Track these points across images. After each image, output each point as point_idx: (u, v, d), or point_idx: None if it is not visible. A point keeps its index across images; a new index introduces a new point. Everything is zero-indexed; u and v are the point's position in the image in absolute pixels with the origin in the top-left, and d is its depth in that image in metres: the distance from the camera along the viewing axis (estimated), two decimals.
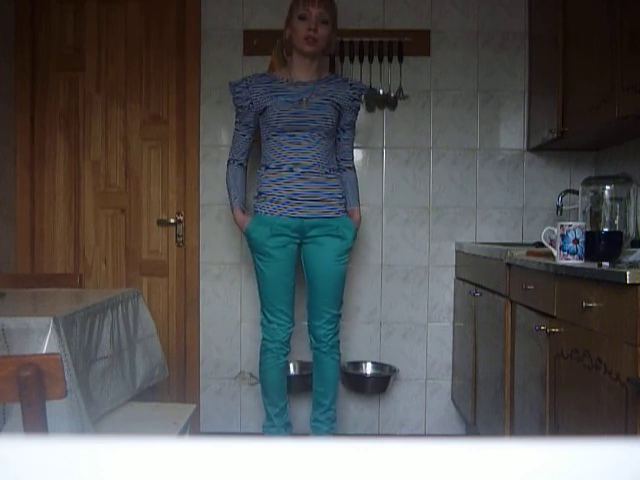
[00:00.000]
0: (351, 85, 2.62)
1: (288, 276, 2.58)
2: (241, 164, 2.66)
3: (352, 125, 2.69)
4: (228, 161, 2.68)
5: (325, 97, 2.55)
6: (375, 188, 3.20)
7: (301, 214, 2.53)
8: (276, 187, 2.54)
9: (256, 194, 2.61)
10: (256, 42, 3.11)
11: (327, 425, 2.68)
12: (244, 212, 2.64)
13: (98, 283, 3.25)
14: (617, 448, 0.36)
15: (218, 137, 3.19)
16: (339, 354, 2.67)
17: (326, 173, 2.56)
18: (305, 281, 2.65)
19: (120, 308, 2.09)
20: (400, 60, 3.12)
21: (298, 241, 2.58)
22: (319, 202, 2.54)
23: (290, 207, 2.53)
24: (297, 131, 2.51)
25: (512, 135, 3.19)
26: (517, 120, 3.18)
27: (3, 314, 1.66)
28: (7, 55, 3.12)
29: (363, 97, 2.68)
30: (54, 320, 1.58)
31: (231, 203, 2.65)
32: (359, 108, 2.69)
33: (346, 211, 2.62)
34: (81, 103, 3.24)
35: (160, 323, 2.97)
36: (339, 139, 2.67)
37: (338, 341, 2.66)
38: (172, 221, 3.23)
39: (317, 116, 2.51)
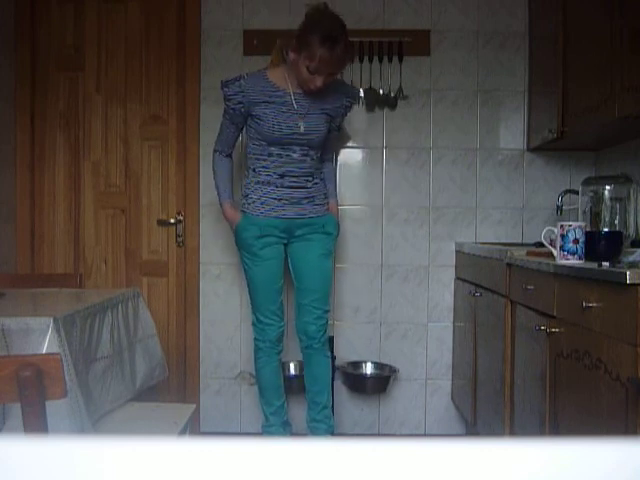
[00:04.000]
0: (346, 93, 2.62)
1: (276, 276, 2.60)
2: (228, 155, 2.68)
3: (339, 126, 2.74)
4: (215, 151, 2.69)
5: (319, 110, 2.55)
6: (375, 188, 3.20)
7: (289, 215, 2.56)
8: (264, 190, 2.55)
9: (243, 195, 2.62)
10: (256, 42, 3.11)
11: (325, 423, 2.67)
12: (233, 207, 2.66)
13: (98, 283, 3.25)
14: (617, 448, 0.36)
15: None
16: (329, 350, 2.69)
17: (316, 178, 2.62)
18: (293, 280, 2.66)
19: (120, 308, 2.09)
20: (400, 60, 3.11)
21: (285, 241, 2.61)
22: (306, 203, 2.58)
23: (278, 209, 2.55)
24: (287, 144, 2.52)
25: (512, 135, 3.19)
26: (517, 120, 3.18)
27: (3, 314, 1.66)
28: (7, 55, 3.12)
29: (357, 100, 2.73)
30: (54, 320, 1.58)
31: (220, 198, 2.66)
32: (349, 112, 2.72)
33: (327, 209, 2.65)
34: (81, 103, 3.24)
35: (160, 323, 2.97)
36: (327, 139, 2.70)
37: (327, 338, 2.67)
38: (172, 221, 3.23)
39: (311, 133, 2.52)
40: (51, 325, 1.57)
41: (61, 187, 3.26)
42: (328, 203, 2.67)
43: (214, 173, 2.69)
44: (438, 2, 3.15)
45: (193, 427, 2.48)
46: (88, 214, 3.26)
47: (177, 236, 3.23)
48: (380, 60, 3.11)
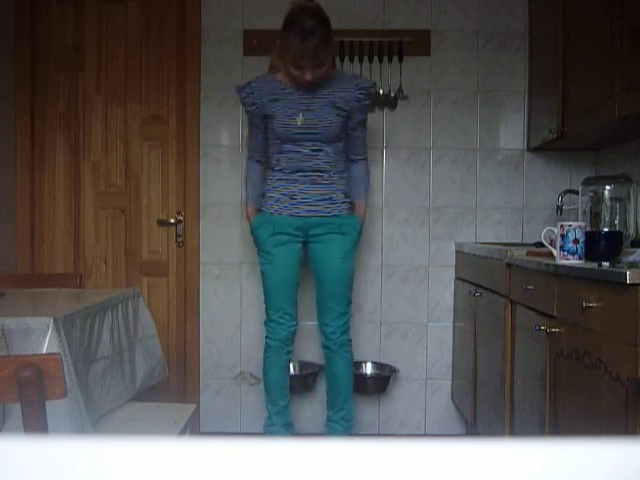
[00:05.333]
0: (357, 85, 2.55)
1: (289, 274, 2.59)
2: (258, 161, 2.71)
3: (362, 123, 2.64)
4: (247, 157, 2.77)
5: (326, 102, 2.51)
6: (375, 188, 3.19)
7: (303, 213, 2.56)
8: (278, 188, 2.57)
9: (262, 194, 2.65)
10: (256, 42, 3.11)
11: (341, 425, 2.67)
12: (258, 210, 2.66)
13: (98, 283, 3.25)
14: (617, 448, 0.36)
15: (218, 137, 3.20)
16: (350, 352, 2.66)
17: (332, 175, 2.57)
18: (314, 280, 2.67)
19: (120, 308, 2.09)
20: (400, 60, 3.11)
21: (302, 239, 2.59)
22: (322, 201, 2.56)
23: (291, 206, 2.55)
24: (299, 141, 2.52)
25: (512, 135, 3.19)
26: (517, 120, 3.18)
27: (3, 314, 1.66)
28: (7, 55, 3.12)
29: (372, 92, 2.62)
30: (54, 320, 1.58)
31: (246, 199, 2.72)
32: (368, 106, 2.64)
33: (351, 209, 2.62)
34: (81, 103, 3.24)
35: (160, 323, 2.97)
36: (349, 136, 2.64)
37: (349, 340, 2.65)
38: (172, 221, 3.23)
39: (317, 126, 2.50)
40: (51, 325, 1.56)
41: (61, 187, 3.26)
42: (350, 202, 2.62)
43: (245, 178, 2.76)
44: (438, 2, 3.15)
45: (193, 427, 2.48)
46: (88, 214, 3.26)
47: (177, 236, 3.23)
48: (380, 60, 3.11)
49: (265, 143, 2.65)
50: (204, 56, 3.17)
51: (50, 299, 2.18)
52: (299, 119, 2.48)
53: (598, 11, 2.36)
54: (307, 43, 2.32)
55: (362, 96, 2.55)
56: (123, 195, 3.26)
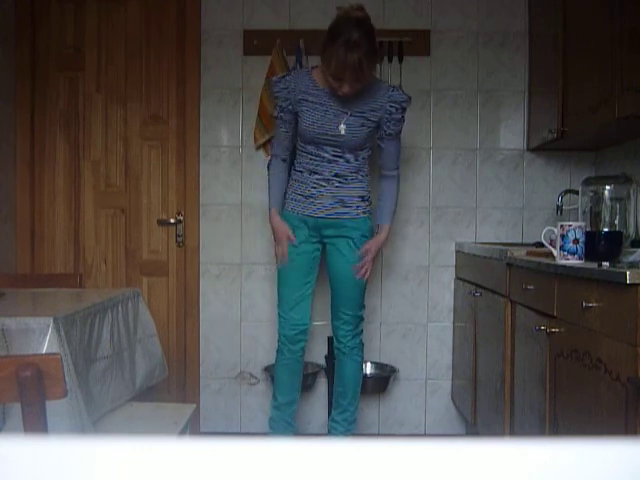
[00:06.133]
0: (389, 97, 2.47)
1: (299, 272, 2.57)
2: (283, 160, 2.61)
3: (394, 135, 2.54)
4: (272, 155, 2.67)
5: (357, 113, 2.46)
6: (375, 188, 3.19)
7: (316, 214, 2.54)
8: (295, 188, 2.57)
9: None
10: (256, 42, 3.11)
11: (343, 426, 2.68)
12: (280, 214, 2.60)
13: (98, 283, 3.25)
14: (617, 448, 0.36)
15: (218, 137, 3.20)
16: (360, 356, 2.65)
17: (350, 180, 2.53)
18: (323, 282, 2.69)
19: (120, 308, 2.09)
20: (400, 60, 3.11)
21: (317, 240, 2.59)
22: (336, 203, 2.54)
23: (306, 206, 2.55)
24: (321, 144, 2.49)
25: (512, 135, 3.19)
26: (517, 120, 3.18)
27: (3, 314, 1.66)
28: (7, 55, 3.12)
29: (405, 106, 2.50)
30: (54, 320, 1.58)
31: (269, 205, 2.63)
32: (400, 120, 2.51)
33: (367, 213, 2.57)
34: (81, 103, 3.24)
35: (160, 323, 2.97)
36: (380, 147, 2.57)
37: (360, 343, 2.65)
38: (172, 221, 3.23)
39: (343, 136, 2.46)
40: (51, 325, 1.56)
41: (61, 187, 3.26)
42: (367, 206, 2.57)
43: (268, 179, 2.66)
44: (438, 2, 3.15)
45: (193, 427, 2.48)
46: (88, 214, 3.26)
47: (177, 236, 3.23)
48: (380, 60, 3.11)
49: (291, 139, 2.58)
50: (204, 56, 3.17)
51: (50, 299, 2.18)
52: (342, 127, 2.44)
53: (598, 11, 2.36)
54: (351, 56, 2.24)
55: (393, 109, 2.47)
56: (123, 195, 3.26)
